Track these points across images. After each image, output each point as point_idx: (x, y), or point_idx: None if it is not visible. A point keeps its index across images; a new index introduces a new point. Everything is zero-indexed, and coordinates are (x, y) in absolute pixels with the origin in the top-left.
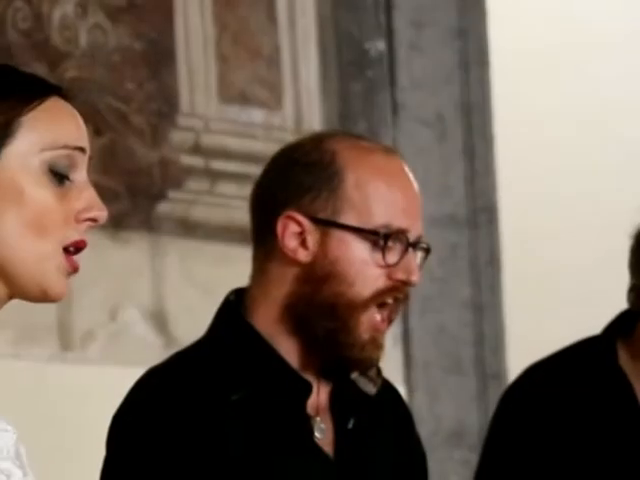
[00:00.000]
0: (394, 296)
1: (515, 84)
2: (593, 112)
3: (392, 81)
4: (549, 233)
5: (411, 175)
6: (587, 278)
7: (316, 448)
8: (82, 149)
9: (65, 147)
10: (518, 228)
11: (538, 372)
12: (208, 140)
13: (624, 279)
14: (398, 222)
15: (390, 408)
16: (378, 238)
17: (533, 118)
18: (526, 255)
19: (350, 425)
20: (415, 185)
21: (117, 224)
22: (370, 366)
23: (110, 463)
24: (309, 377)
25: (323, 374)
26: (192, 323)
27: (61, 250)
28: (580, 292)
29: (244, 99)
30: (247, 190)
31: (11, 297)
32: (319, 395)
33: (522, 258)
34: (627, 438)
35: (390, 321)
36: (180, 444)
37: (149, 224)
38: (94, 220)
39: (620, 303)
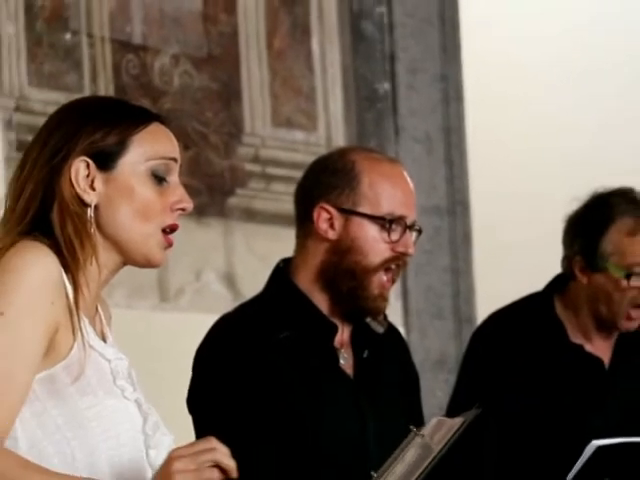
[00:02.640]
0: (396, 263)
1: (482, 114)
2: (538, 133)
3: (394, 111)
4: (506, 219)
5: (408, 178)
6: (533, 251)
7: (340, 371)
8: (175, 159)
9: (163, 158)
10: (484, 216)
11: (497, 318)
12: (264, 153)
13: (560, 252)
14: (399, 211)
15: (393, 343)
16: (385, 222)
17: (494, 137)
18: (490, 235)
19: (365, 355)
20: (411, 185)
21: (200, 212)
22: (379, 313)
23: (195, 383)
24: (336, 320)
25: (345, 318)
26: (253, 282)
27: (160, 231)
28: (528, 261)
29: (289, 124)
30: (292, 188)
31: (125, 264)
32: (343, 334)
33: (487, 237)
34: (560, 365)
35: (393, 281)
36: (243, 367)
37: (222, 212)
38: (183, 209)
39: (556, 269)
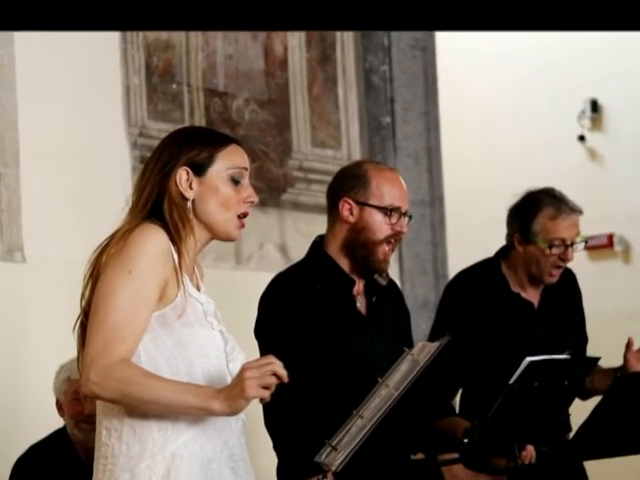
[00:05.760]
0: (394, 238)
1: (453, 139)
2: (491, 152)
3: (393, 136)
4: (469, 209)
5: (402, 181)
6: (487, 231)
7: (357, 311)
8: (246, 168)
9: (238, 167)
10: (454, 207)
11: (462, 275)
12: (306, 164)
13: (504, 231)
14: (397, 203)
15: (393, 292)
16: (387, 211)
17: (461, 155)
18: (457, 220)
19: (373, 300)
20: (404, 185)
21: (262, 204)
22: (383, 272)
23: (259, 318)
24: (354, 277)
25: (360, 275)
26: (298, 251)
27: (236, 217)
28: (484, 237)
29: (323, 144)
30: (325, 188)
31: (212, 239)
32: (359, 285)
33: (455, 221)
34: (504, 307)
35: (392, 250)
36: (292, 308)
37: (278, 204)
38: (252, 202)
39: (502, 242)
